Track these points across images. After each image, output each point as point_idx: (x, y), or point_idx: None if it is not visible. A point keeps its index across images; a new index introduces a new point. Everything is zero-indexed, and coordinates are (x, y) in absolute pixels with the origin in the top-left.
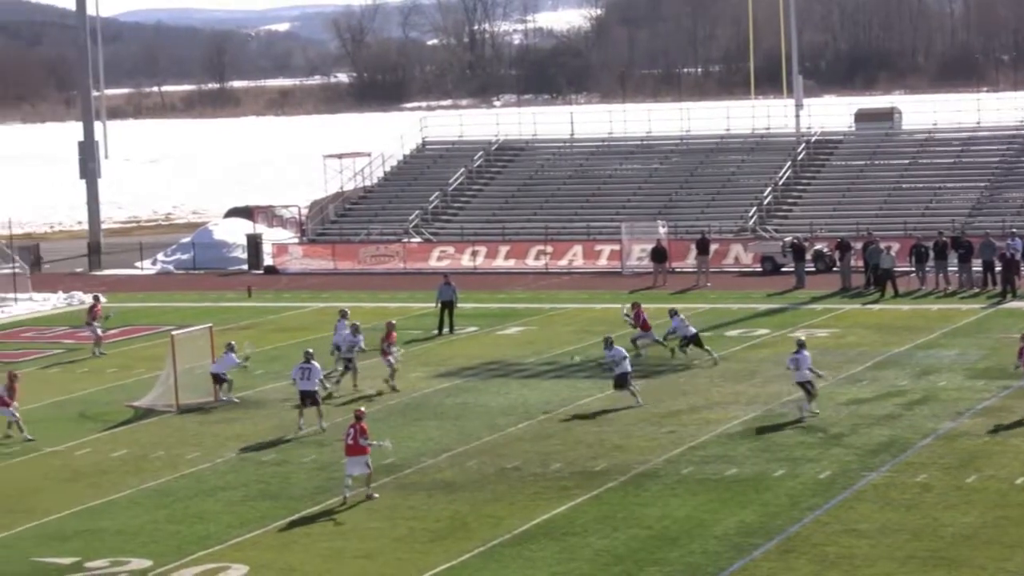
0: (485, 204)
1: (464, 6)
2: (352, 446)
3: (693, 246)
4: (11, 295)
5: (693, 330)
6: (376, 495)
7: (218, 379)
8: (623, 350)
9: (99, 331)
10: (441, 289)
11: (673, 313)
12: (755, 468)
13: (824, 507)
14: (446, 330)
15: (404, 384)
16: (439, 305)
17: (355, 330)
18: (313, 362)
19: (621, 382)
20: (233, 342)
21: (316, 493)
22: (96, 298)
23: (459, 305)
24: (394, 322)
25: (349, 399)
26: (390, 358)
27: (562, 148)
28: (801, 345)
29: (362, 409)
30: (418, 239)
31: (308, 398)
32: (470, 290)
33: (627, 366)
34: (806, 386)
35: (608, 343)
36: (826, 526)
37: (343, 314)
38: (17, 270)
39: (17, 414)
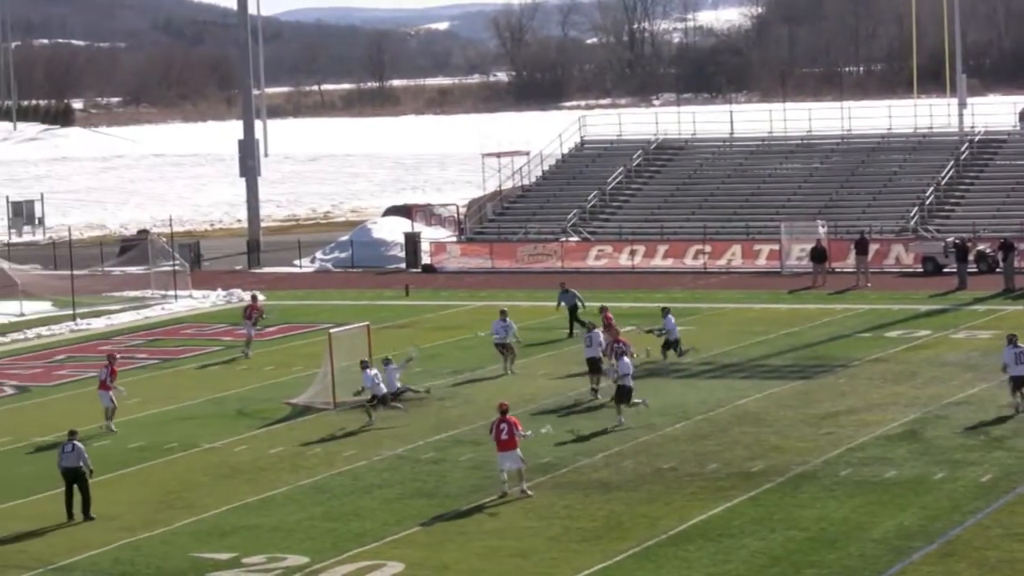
0: (643, 203)
1: (624, 5)
2: (506, 441)
3: (852, 246)
4: (172, 292)
5: (677, 334)
6: (531, 493)
7: (396, 395)
8: (630, 364)
9: (252, 331)
10: (562, 296)
11: (666, 312)
12: (915, 470)
13: (986, 511)
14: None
15: (560, 384)
16: (564, 308)
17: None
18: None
19: (620, 395)
20: (390, 355)
21: (472, 492)
22: (254, 297)
23: (618, 304)
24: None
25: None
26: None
27: (721, 147)
28: (1013, 339)
29: (506, 402)
30: (576, 238)
31: (382, 400)
32: (627, 289)
33: (629, 381)
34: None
35: (619, 354)
36: (988, 530)
37: (503, 313)
38: (177, 267)
39: (115, 401)
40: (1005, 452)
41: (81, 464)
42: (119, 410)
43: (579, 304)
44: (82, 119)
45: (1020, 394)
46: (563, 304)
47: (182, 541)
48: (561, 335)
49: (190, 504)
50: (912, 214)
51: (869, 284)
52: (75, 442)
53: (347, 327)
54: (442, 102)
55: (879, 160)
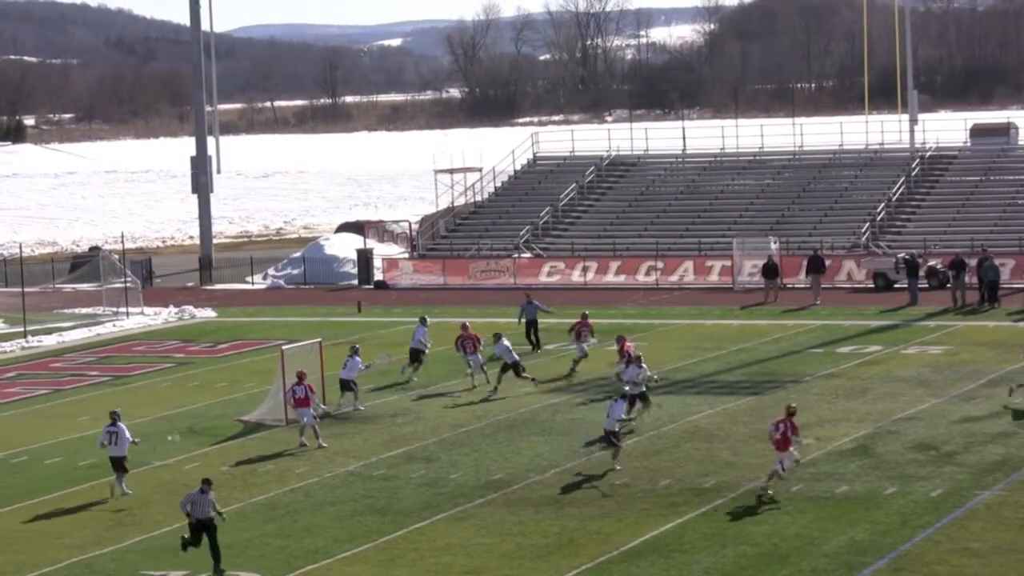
0: (596, 219)
1: (577, 21)
2: (780, 440)
3: (804, 263)
4: (123, 309)
5: (516, 357)
6: (771, 493)
7: (346, 386)
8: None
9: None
10: (524, 307)
11: (498, 338)
12: (866, 486)
13: (936, 526)
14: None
15: (513, 400)
16: (523, 323)
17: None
18: (120, 424)
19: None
20: (358, 345)
21: (424, 508)
22: (465, 326)
23: (571, 321)
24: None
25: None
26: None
27: (674, 163)
28: None
29: (794, 406)
30: (528, 254)
31: (117, 464)
32: (580, 305)
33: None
34: None
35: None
36: (938, 545)
37: (422, 320)
38: (129, 284)
39: (317, 415)
40: (955, 467)
41: (213, 513)
42: (77, 427)
43: (538, 316)
44: (34, 135)
45: None
46: (523, 319)
47: (133, 559)
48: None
49: (140, 521)
50: (863, 230)
51: (818, 302)
52: (201, 490)
53: (299, 344)
54: (395, 118)
55: (830, 176)
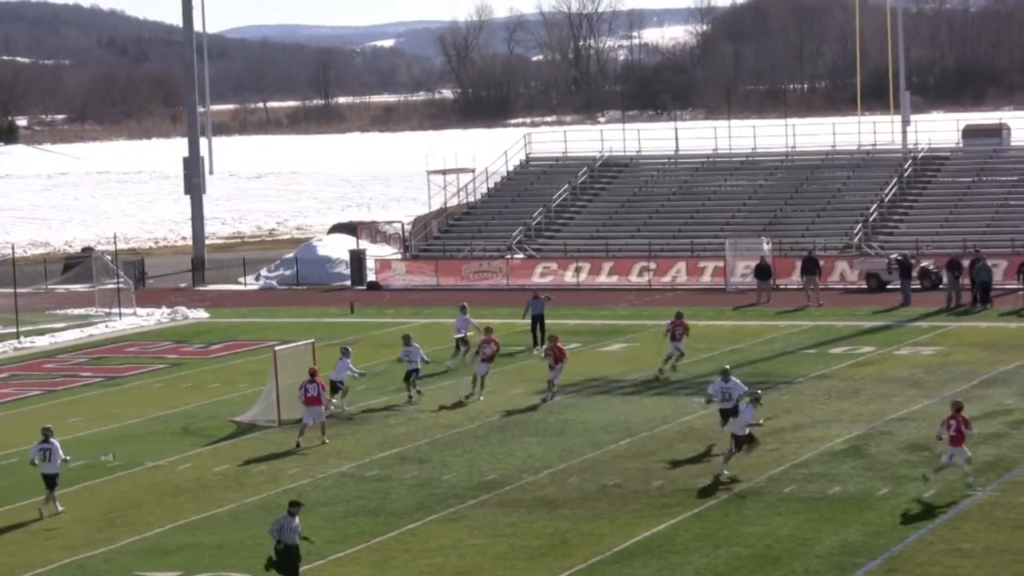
0: (589, 220)
1: (570, 22)
2: (955, 437)
3: (799, 263)
4: (116, 310)
5: (418, 366)
6: (976, 490)
7: (335, 387)
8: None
9: (681, 347)
10: (531, 303)
11: (407, 340)
12: (858, 486)
13: (928, 527)
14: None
15: (504, 401)
16: (530, 319)
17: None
18: (52, 440)
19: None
20: (349, 347)
21: (416, 509)
22: (679, 315)
23: (563, 322)
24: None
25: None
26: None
27: (666, 164)
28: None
29: (960, 400)
30: (521, 255)
31: (50, 481)
32: (573, 306)
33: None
34: None
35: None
36: (931, 546)
37: (462, 308)
38: (122, 285)
39: (323, 416)
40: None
41: (297, 538)
42: (69, 428)
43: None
44: (26, 136)
45: None
46: (529, 312)
47: (125, 560)
48: (511, 350)
49: (133, 522)
50: (856, 231)
51: (822, 303)
52: (290, 512)
53: (292, 344)
54: (387, 119)
55: (823, 177)
